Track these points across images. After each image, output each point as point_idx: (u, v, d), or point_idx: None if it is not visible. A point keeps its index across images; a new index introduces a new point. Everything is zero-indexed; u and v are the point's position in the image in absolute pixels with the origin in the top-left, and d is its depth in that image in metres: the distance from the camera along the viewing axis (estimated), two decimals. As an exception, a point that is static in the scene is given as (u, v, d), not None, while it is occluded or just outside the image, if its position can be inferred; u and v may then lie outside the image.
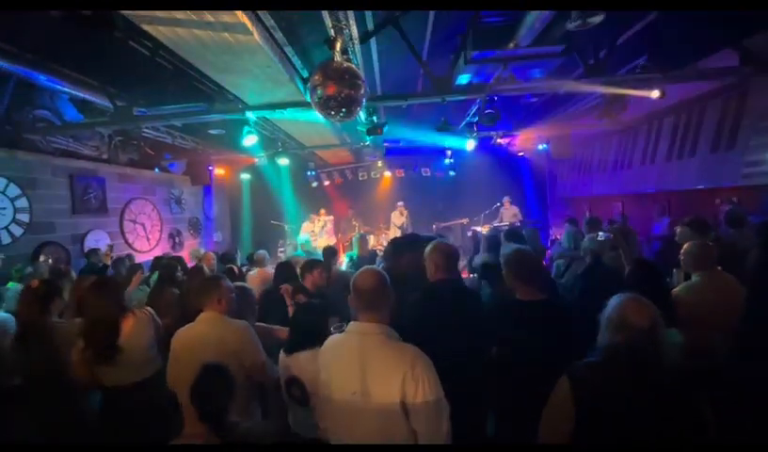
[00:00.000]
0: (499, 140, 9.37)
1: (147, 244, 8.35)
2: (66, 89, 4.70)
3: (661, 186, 7.12)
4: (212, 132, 7.58)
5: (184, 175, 9.65)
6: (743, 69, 4.60)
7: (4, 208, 5.52)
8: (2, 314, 3.37)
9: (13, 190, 5.64)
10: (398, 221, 10.30)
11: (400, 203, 10.46)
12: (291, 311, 3.01)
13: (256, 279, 4.67)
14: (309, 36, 3.97)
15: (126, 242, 7.72)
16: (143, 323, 2.59)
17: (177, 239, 9.32)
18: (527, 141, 9.87)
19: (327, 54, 3.37)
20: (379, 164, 11.52)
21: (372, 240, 9.39)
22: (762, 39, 4.34)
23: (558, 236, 8.08)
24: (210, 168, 9.97)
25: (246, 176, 11.07)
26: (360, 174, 11.90)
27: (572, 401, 1.59)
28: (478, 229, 9.62)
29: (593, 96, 6.24)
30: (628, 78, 4.97)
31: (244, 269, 5.48)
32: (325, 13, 3.20)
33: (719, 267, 2.82)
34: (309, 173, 11.51)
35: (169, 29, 3.17)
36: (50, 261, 5.81)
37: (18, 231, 5.67)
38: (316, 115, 3.50)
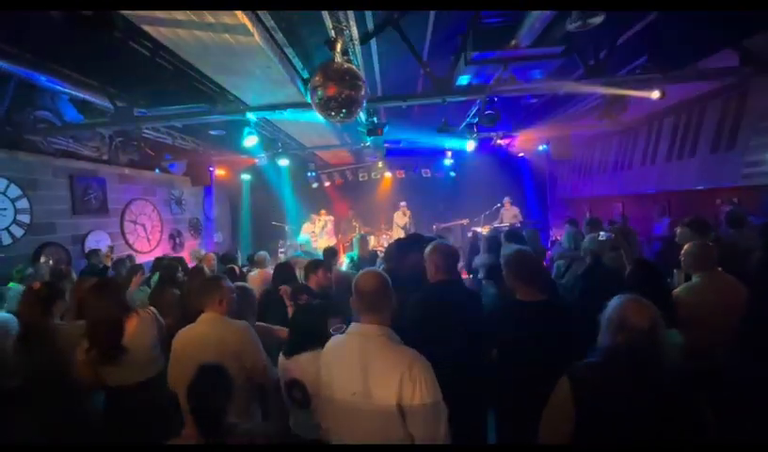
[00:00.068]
0: (499, 141, 9.37)
1: (147, 245, 8.35)
2: (66, 90, 4.71)
3: (661, 187, 7.12)
4: (212, 133, 7.59)
5: (184, 176, 9.66)
6: (743, 69, 4.60)
7: (5, 209, 5.52)
8: (3, 314, 3.38)
9: (14, 191, 5.64)
10: (401, 222, 10.28)
11: (403, 204, 10.43)
12: (290, 311, 3.02)
13: (257, 279, 4.67)
14: (309, 37, 3.97)
15: (127, 243, 7.73)
16: (147, 323, 2.60)
17: (177, 240, 9.32)
18: (527, 142, 9.86)
19: (327, 55, 3.38)
20: (380, 165, 11.52)
21: (372, 241, 9.39)
22: (762, 39, 4.34)
23: (558, 237, 8.08)
24: (210, 168, 9.97)
25: (246, 177, 11.07)
26: (361, 175, 11.90)
27: (572, 401, 1.59)
28: (478, 230, 9.63)
29: (593, 97, 6.24)
30: (628, 79, 4.97)
31: (244, 270, 5.48)
32: (325, 14, 3.20)
33: (719, 268, 2.81)
34: (309, 174, 11.51)
35: (170, 30, 3.17)
36: (51, 262, 5.81)
37: (19, 232, 5.67)
38: (317, 116, 3.50)
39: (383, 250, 6.50)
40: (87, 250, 6.40)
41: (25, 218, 5.76)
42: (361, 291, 1.81)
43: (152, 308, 2.78)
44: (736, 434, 1.99)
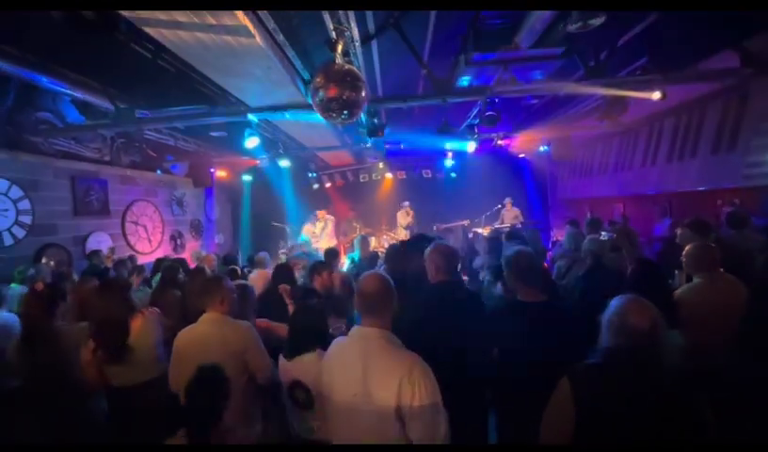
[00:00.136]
0: (500, 142, 9.38)
1: (149, 246, 8.36)
2: (68, 92, 4.72)
3: (661, 188, 7.11)
4: (213, 134, 7.60)
5: (185, 177, 9.67)
6: (743, 70, 4.61)
7: (6, 210, 5.53)
8: (5, 314, 3.38)
9: (16, 192, 5.65)
10: (404, 221, 10.24)
11: (406, 203, 10.40)
12: (291, 309, 3.04)
13: (257, 280, 4.67)
14: (310, 38, 3.98)
15: (128, 244, 7.74)
16: (151, 322, 2.62)
17: (179, 241, 9.33)
18: (528, 143, 9.87)
19: (328, 56, 3.39)
20: (380, 165, 11.53)
21: (373, 241, 9.39)
22: (763, 40, 4.34)
23: (559, 238, 8.07)
24: (212, 170, 9.98)
25: (247, 178, 11.09)
26: (362, 176, 11.91)
27: (573, 402, 1.59)
28: (479, 230, 9.63)
29: (594, 98, 6.25)
30: (628, 80, 4.98)
31: (245, 271, 5.49)
32: (326, 15, 3.21)
33: (721, 269, 2.81)
34: (310, 175, 11.52)
35: (171, 32, 3.18)
36: (52, 263, 5.82)
37: (20, 232, 5.68)
38: (318, 117, 3.51)
39: (384, 250, 6.51)
40: (88, 251, 6.41)
41: (27, 219, 5.77)
42: (362, 293, 1.81)
43: (155, 308, 2.79)
44: (736, 434, 1.99)
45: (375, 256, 5.87)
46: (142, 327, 2.56)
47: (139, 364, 2.51)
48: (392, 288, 1.84)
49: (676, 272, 3.44)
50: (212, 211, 10.97)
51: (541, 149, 10.07)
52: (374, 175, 11.89)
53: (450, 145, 9.59)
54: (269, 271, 4.94)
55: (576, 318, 2.21)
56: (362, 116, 5.72)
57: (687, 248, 2.93)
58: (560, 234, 8.77)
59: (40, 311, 2.65)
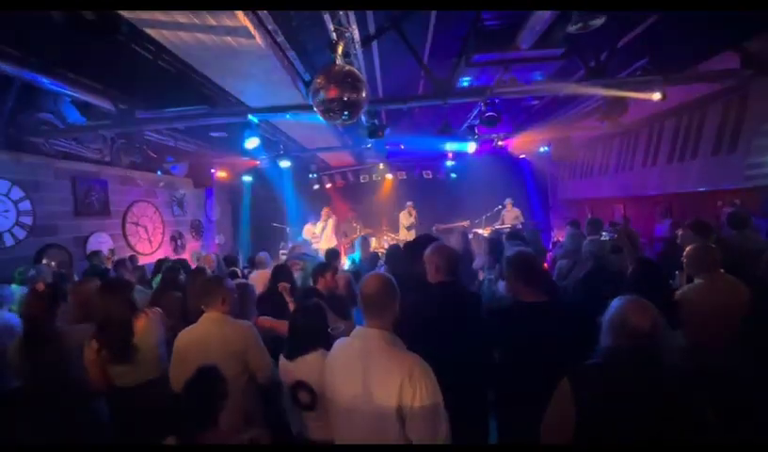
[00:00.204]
0: (500, 143, 9.38)
1: (149, 246, 8.36)
2: (69, 93, 4.72)
3: (662, 189, 7.11)
4: (213, 135, 7.61)
5: (186, 178, 9.67)
6: (743, 71, 4.61)
7: (7, 211, 5.54)
8: (5, 314, 3.38)
9: (16, 193, 5.66)
10: (406, 222, 10.20)
11: (409, 203, 10.34)
12: (291, 307, 3.04)
13: (258, 280, 4.67)
14: (311, 39, 3.99)
15: (128, 245, 7.74)
16: (154, 322, 2.63)
17: (179, 242, 9.34)
18: (528, 144, 9.87)
19: (328, 57, 3.39)
20: (381, 166, 11.53)
21: (373, 242, 9.39)
22: (763, 41, 4.35)
23: (560, 239, 8.07)
24: (212, 170, 9.99)
25: (247, 178, 11.09)
26: (362, 177, 11.91)
27: (573, 402, 1.59)
28: (479, 231, 9.63)
29: (594, 99, 6.25)
30: (628, 81, 4.98)
31: (245, 272, 5.49)
32: (327, 16, 3.21)
33: (721, 270, 2.81)
34: (310, 176, 11.53)
35: (172, 33, 3.19)
36: (52, 263, 5.82)
37: (21, 233, 5.69)
38: (318, 118, 3.51)
39: (384, 251, 6.52)
40: (88, 252, 6.42)
41: (28, 220, 5.78)
42: (363, 294, 1.82)
43: (157, 308, 2.79)
44: (736, 434, 1.99)
45: (375, 257, 5.87)
46: (145, 327, 2.57)
47: (142, 364, 2.52)
48: (395, 289, 1.83)
49: (676, 273, 3.44)
50: (212, 212, 10.97)
51: (541, 149, 10.07)
52: (374, 176, 11.89)
53: (450, 146, 9.59)
54: (269, 272, 4.95)
55: (576, 319, 2.21)
56: (363, 117, 5.73)
57: (688, 248, 2.93)
58: (560, 235, 8.77)
59: (41, 311, 2.65)
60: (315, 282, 3.50)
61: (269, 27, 3.41)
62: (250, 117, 5.28)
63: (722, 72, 4.82)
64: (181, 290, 3.83)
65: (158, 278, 4.45)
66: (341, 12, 3.20)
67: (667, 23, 4.21)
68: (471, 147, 8.56)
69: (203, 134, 7.60)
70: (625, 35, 4.48)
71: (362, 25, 3.80)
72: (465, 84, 5.49)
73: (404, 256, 3.40)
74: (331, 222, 9.61)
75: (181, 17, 2.92)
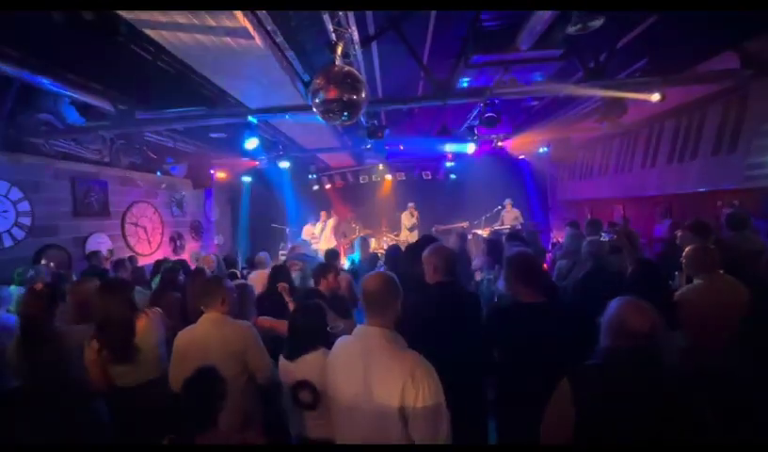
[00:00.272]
0: (500, 143, 9.38)
1: (148, 247, 8.36)
2: (68, 93, 4.72)
3: (662, 189, 7.11)
4: (213, 135, 7.61)
5: (185, 178, 9.67)
6: (743, 71, 4.61)
7: (6, 211, 5.53)
8: (4, 315, 3.38)
9: (16, 194, 5.66)
10: (408, 222, 10.19)
11: (411, 204, 10.33)
12: (291, 307, 3.04)
13: (257, 280, 4.67)
14: (310, 40, 3.99)
15: (128, 245, 7.74)
16: (154, 322, 2.63)
17: (178, 242, 9.33)
18: (528, 144, 9.87)
19: (328, 57, 3.39)
20: (380, 167, 11.54)
21: (373, 243, 9.38)
22: (762, 41, 4.35)
23: (559, 239, 8.08)
24: (211, 171, 9.99)
25: (247, 179, 11.09)
26: (361, 177, 11.92)
27: (572, 403, 1.59)
28: (479, 232, 9.63)
29: (593, 99, 6.25)
30: (628, 81, 4.99)
31: (244, 273, 5.49)
32: (326, 17, 3.21)
33: (720, 270, 2.81)
34: (309, 176, 11.53)
35: (171, 34, 3.19)
36: (51, 264, 5.82)
37: (20, 234, 5.68)
38: (318, 118, 3.52)
39: (384, 252, 6.51)
40: (87, 252, 6.42)
41: (27, 221, 5.77)
42: (365, 293, 1.81)
43: (157, 308, 2.79)
44: (736, 434, 1.99)
45: (374, 257, 5.87)
46: (146, 327, 2.57)
47: (143, 364, 2.53)
48: (397, 288, 1.83)
49: (676, 273, 3.44)
50: (211, 212, 10.97)
51: (541, 150, 10.08)
52: (373, 177, 11.90)
53: (450, 147, 9.60)
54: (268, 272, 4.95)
55: (576, 319, 2.21)
56: (362, 117, 5.73)
57: (687, 249, 2.94)
58: (560, 236, 8.77)
59: (39, 310, 2.64)
60: (317, 284, 3.49)
61: (268, 28, 3.41)
62: (250, 118, 5.28)
63: (721, 73, 4.82)
64: (180, 291, 3.83)
65: (157, 278, 4.44)
66: (340, 13, 3.20)
67: (666, 23, 4.22)
68: (470, 148, 8.56)
69: (203, 134, 7.60)
70: (624, 36, 4.49)
71: (362, 26, 3.80)
72: (464, 84, 5.49)
73: (406, 258, 3.40)
74: (331, 223, 9.61)
75: (180, 18, 2.93)
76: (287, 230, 10.68)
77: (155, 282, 4.52)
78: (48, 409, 2.50)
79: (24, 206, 5.75)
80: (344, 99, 3.19)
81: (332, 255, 5.07)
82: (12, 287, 4.42)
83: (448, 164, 11.23)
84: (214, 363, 1.96)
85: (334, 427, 1.86)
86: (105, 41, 3.26)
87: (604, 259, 3.66)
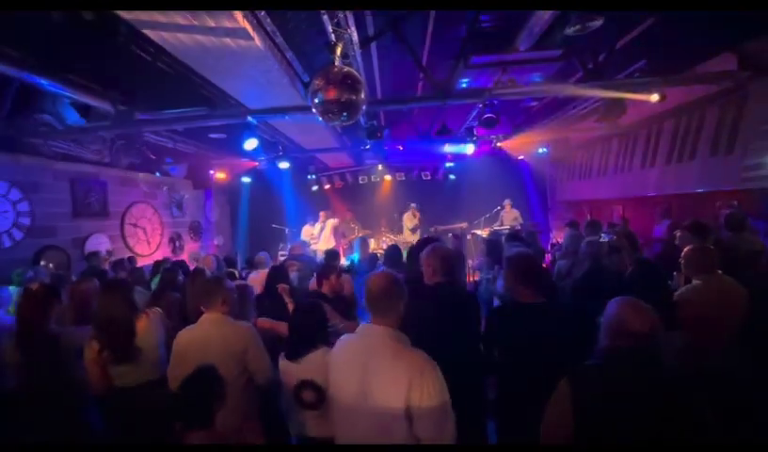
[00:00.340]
0: (499, 144, 9.39)
1: (148, 248, 8.35)
2: (68, 94, 4.72)
3: (661, 190, 7.13)
4: (212, 136, 7.61)
5: (185, 179, 9.67)
6: (741, 72, 4.62)
7: (5, 212, 5.53)
8: (4, 316, 3.37)
9: (15, 194, 5.66)
10: (411, 223, 10.13)
11: (413, 205, 10.27)
12: (291, 308, 3.04)
13: (257, 281, 4.67)
14: (309, 41, 3.99)
15: (127, 246, 7.73)
16: (155, 323, 2.63)
17: (178, 243, 9.33)
18: (527, 145, 9.87)
19: (327, 58, 3.40)
20: (379, 167, 11.53)
21: (372, 243, 9.38)
22: (761, 42, 4.36)
23: (559, 240, 8.09)
24: (211, 171, 9.99)
25: (246, 180, 11.10)
26: (361, 178, 11.91)
27: (572, 403, 1.60)
28: (478, 232, 9.64)
29: (593, 100, 6.26)
30: (627, 82, 5.00)
31: (243, 273, 5.48)
32: (326, 18, 3.22)
33: (719, 271, 2.82)
34: (309, 177, 11.53)
35: (171, 34, 3.19)
36: (51, 265, 5.82)
37: (19, 234, 5.68)
38: (317, 119, 3.52)
39: (383, 252, 6.51)
40: (87, 253, 6.41)
41: (26, 221, 5.77)
42: (368, 292, 1.81)
43: (158, 309, 2.79)
44: (736, 434, 1.99)
45: (374, 258, 5.87)
46: (146, 327, 2.57)
47: (143, 365, 2.53)
48: (402, 287, 1.82)
49: (675, 274, 3.44)
50: (211, 213, 10.97)
51: (540, 151, 10.08)
52: (373, 177, 11.89)
53: (449, 147, 9.60)
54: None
55: (575, 319, 2.21)
56: (361, 118, 5.73)
57: (685, 250, 2.94)
58: (559, 236, 8.78)
59: (34, 311, 2.63)
60: (320, 285, 3.48)
61: (268, 29, 3.41)
62: (249, 118, 5.28)
63: (720, 74, 4.84)
64: (179, 291, 3.83)
65: (156, 279, 4.44)
66: (339, 14, 3.21)
67: (665, 24, 4.22)
68: (469, 148, 8.56)
69: (202, 135, 7.60)
70: (623, 37, 4.49)
71: (361, 27, 3.80)
72: (464, 85, 5.50)
73: (410, 258, 3.40)
74: (330, 224, 9.59)
75: (180, 18, 2.93)
76: (286, 230, 10.68)
77: (155, 283, 4.51)
78: (42, 410, 2.50)
79: (24, 207, 5.75)
80: (344, 99, 3.20)
81: (333, 256, 5.07)
82: (11, 288, 4.42)
83: (447, 164, 11.24)
84: (213, 363, 1.97)
85: (335, 425, 1.86)
86: (105, 42, 3.27)
87: (603, 259, 3.67)
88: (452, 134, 7.55)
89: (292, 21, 3.62)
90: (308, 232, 9.65)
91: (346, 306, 3.36)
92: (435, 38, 4.51)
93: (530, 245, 4.91)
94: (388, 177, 11.84)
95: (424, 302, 2.45)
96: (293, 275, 4.26)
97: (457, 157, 10.60)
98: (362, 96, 3.29)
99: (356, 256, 5.73)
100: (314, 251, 8.90)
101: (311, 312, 2.36)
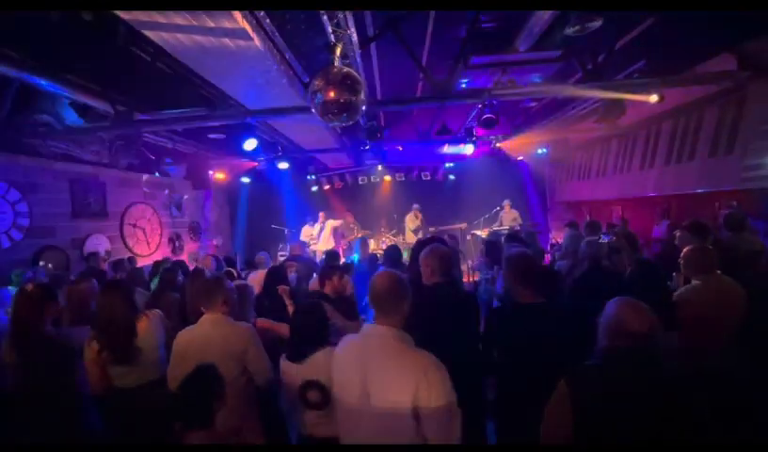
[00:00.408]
0: (498, 144, 9.40)
1: (147, 248, 8.34)
2: (67, 94, 4.72)
3: (660, 190, 7.13)
4: (211, 136, 7.61)
5: (184, 179, 9.67)
6: (740, 73, 4.63)
7: (4, 212, 5.52)
8: (3, 317, 3.36)
9: (14, 194, 5.65)
10: (413, 225, 10.12)
11: (416, 206, 10.25)
12: (290, 310, 3.03)
13: (257, 281, 4.66)
14: (309, 41, 3.99)
15: (126, 246, 7.73)
16: (155, 324, 2.63)
17: (177, 243, 9.32)
18: (527, 145, 9.87)
19: (327, 59, 3.39)
20: (379, 168, 11.53)
21: (372, 244, 9.38)
22: (760, 43, 4.37)
23: (558, 240, 8.09)
24: (210, 172, 9.98)
25: (246, 180, 11.09)
26: (360, 178, 11.91)
27: (572, 403, 1.60)
28: (478, 232, 9.65)
29: (592, 100, 6.26)
30: (626, 83, 5.01)
31: (243, 274, 5.48)
32: (325, 18, 3.22)
33: (718, 271, 2.82)
34: (308, 177, 11.53)
35: (171, 35, 3.19)
36: (50, 265, 5.81)
37: (18, 235, 5.67)
38: (317, 119, 3.52)
39: (383, 252, 6.51)
40: (86, 254, 6.40)
41: (25, 222, 5.76)
42: (372, 292, 1.80)
43: (157, 310, 2.79)
44: (736, 434, 1.99)
45: (374, 258, 5.87)
46: (146, 328, 2.57)
47: (143, 366, 2.53)
48: (406, 287, 1.81)
49: (674, 274, 3.45)
50: (210, 213, 10.96)
51: (539, 151, 10.09)
52: (372, 177, 11.89)
53: (449, 147, 9.61)
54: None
55: (574, 319, 2.21)
56: (361, 118, 5.73)
57: (685, 250, 2.94)
58: (559, 237, 8.79)
59: (29, 312, 2.60)
60: (322, 286, 3.47)
61: (267, 29, 3.41)
62: (249, 119, 5.28)
63: (719, 74, 4.84)
64: (179, 291, 3.82)
65: (156, 279, 4.44)
66: (339, 14, 3.21)
67: (664, 25, 4.23)
68: (469, 149, 8.57)
69: (202, 135, 7.60)
70: (622, 37, 4.50)
71: (361, 27, 3.81)
72: (463, 85, 5.50)
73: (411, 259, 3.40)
74: (329, 224, 9.59)
75: (179, 19, 2.92)
76: (286, 231, 10.67)
77: (154, 284, 4.51)
78: (38, 411, 2.48)
79: (23, 207, 5.75)
80: (343, 100, 3.20)
81: (333, 257, 5.07)
82: (11, 288, 4.41)
83: (447, 165, 11.24)
84: (213, 363, 1.96)
85: (339, 425, 1.85)
86: (104, 42, 3.27)
87: (602, 260, 3.67)
88: (451, 134, 7.56)
89: (291, 21, 3.62)
90: (307, 232, 9.65)
91: (349, 306, 3.34)
92: (434, 38, 4.51)
93: (529, 245, 4.91)
94: (387, 177, 11.84)
95: (423, 303, 2.45)
96: (291, 276, 4.26)
97: (457, 158, 10.60)
98: (362, 97, 3.29)
99: (355, 257, 5.73)
100: (314, 252, 8.91)
101: (311, 312, 2.36)
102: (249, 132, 5.65)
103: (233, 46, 3.35)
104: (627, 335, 1.60)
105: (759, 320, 2.58)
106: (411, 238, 9.81)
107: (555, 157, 10.47)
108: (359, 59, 4.24)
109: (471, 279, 6.61)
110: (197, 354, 2.21)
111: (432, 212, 10.88)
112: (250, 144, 5.80)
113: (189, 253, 8.58)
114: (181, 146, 7.85)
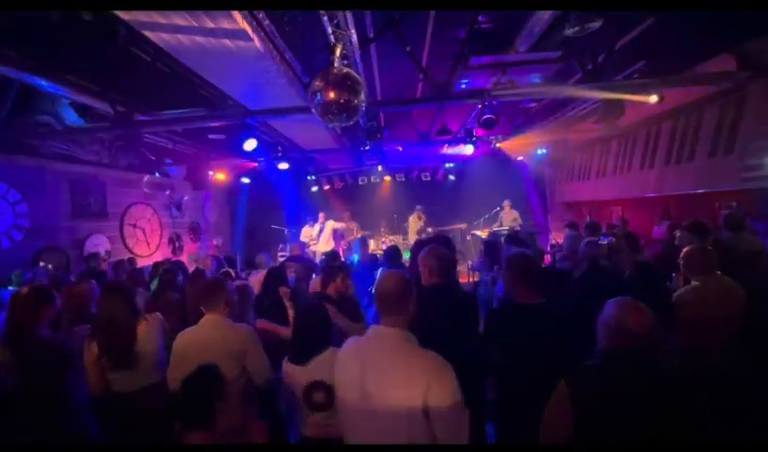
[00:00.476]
0: (498, 145, 9.40)
1: (147, 248, 8.35)
2: (67, 95, 4.72)
3: (660, 191, 7.13)
4: (211, 136, 7.61)
5: (184, 180, 9.67)
6: (740, 73, 4.63)
7: (4, 213, 5.52)
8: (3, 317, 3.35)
9: (14, 195, 5.65)
10: (416, 226, 10.11)
11: (419, 207, 10.19)
12: (290, 313, 3.03)
13: (257, 282, 4.66)
14: (309, 42, 3.99)
15: (126, 247, 7.73)
16: (154, 327, 2.62)
17: (177, 244, 9.32)
18: (526, 146, 9.87)
19: (327, 59, 3.40)
20: (379, 168, 11.53)
21: (372, 244, 9.37)
22: (760, 43, 4.37)
23: (558, 240, 8.09)
24: (210, 172, 9.99)
25: (246, 180, 11.09)
26: (360, 179, 11.92)
27: (571, 403, 1.60)
28: (477, 233, 9.64)
29: (592, 101, 6.27)
30: (626, 83, 5.01)
31: (243, 274, 5.48)
32: (325, 19, 3.22)
33: (718, 272, 2.82)
34: (308, 178, 11.53)
35: (171, 36, 3.19)
36: (50, 266, 5.81)
37: (18, 235, 5.67)
38: (317, 120, 3.52)
39: (382, 253, 6.51)
40: (86, 254, 6.40)
41: (25, 222, 5.76)
42: (379, 292, 1.79)
43: (157, 313, 2.78)
44: (736, 434, 1.99)
45: (373, 258, 5.86)
46: (146, 332, 2.56)
47: (142, 370, 2.52)
48: (411, 288, 1.80)
49: (674, 275, 3.44)
50: (210, 213, 10.96)
51: (539, 152, 10.09)
52: (372, 178, 11.89)
53: (449, 148, 9.61)
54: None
55: (574, 320, 2.21)
56: (361, 119, 5.73)
57: (685, 250, 2.94)
58: (559, 237, 8.79)
59: (24, 315, 2.57)
60: (326, 287, 3.45)
61: (267, 30, 3.41)
62: (248, 119, 5.28)
63: (719, 75, 4.84)
64: (179, 292, 3.82)
65: (156, 280, 4.44)
66: (339, 14, 3.21)
67: (664, 25, 4.23)
68: (469, 149, 8.57)
69: (202, 136, 7.60)
70: (622, 38, 4.50)
71: (360, 28, 3.81)
72: (463, 86, 5.50)
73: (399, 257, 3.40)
74: (329, 225, 9.59)
75: (179, 19, 2.93)
76: (286, 231, 10.68)
77: (154, 285, 4.51)
78: (34, 413, 2.46)
79: (23, 208, 5.75)
80: (343, 100, 3.20)
81: (334, 258, 5.06)
82: (11, 289, 4.41)
83: (447, 165, 11.24)
84: (215, 363, 1.96)
85: (343, 426, 1.84)
86: (104, 43, 3.27)
87: (602, 260, 3.67)
88: (451, 135, 7.56)
89: (291, 22, 3.63)
90: (307, 233, 9.64)
91: (353, 307, 3.33)
92: (434, 39, 4.51)
93: (529, 246, 4.91)
94: (387, 178, 11.85)
95: (423, 303, 2.44)
96: (290, 277, 4.25)
97: (457, 158, 10.61)
98: (362, 97, 3.29)
99: (355, 257, 5.73)
100: (314, 253, 8.90)
101: (312, 313, 2.35)
102: (249, 132, 5.64)
103: (233, 47, 3.36)
104: (626, 335, 1.60)
105: (759, 320, 2.58)
106: (414, 240, 9.79)
107: (555, 158, 10.47)
108: (358, 60, 4.25)
109: (470, 279, 6.61)
110: (197, 355, 2.20)
111: (432, 212, 10.86)
112: (250, 144, 5.79)
113: (189, 254, 8.58)
114: (181, 146, 7.85)
